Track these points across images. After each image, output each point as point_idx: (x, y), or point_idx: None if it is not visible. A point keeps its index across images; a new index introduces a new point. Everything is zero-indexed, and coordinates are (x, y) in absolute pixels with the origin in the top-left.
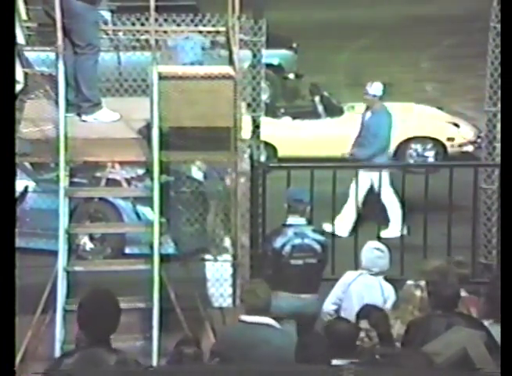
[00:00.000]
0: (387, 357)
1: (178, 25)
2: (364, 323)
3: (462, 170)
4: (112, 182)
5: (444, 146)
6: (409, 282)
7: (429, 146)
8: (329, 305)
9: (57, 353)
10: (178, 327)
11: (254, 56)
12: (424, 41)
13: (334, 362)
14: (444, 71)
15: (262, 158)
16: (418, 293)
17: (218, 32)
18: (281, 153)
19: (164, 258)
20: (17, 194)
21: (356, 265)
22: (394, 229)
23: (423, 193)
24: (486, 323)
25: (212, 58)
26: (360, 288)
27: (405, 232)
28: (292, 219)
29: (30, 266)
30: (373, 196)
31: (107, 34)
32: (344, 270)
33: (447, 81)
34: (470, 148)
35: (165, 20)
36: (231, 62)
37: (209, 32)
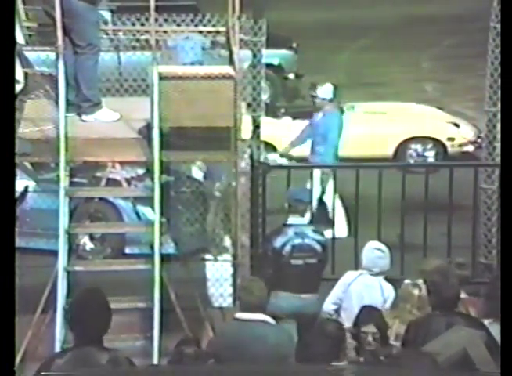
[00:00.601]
0: (390, 357)
1: (178, 25)
2: (371, 327)
3: (462, 170)
4: (112, 182)
5: (444, 146)
6: (407, 281)
7: (429, 146)
8: (329, 305)
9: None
10: (179, 327)
11: (254, 55)
12: (424, 41)
13: (333, 364)
14: (444, 71)
15: (262, 158)
16: (416, 292)
17: (218, 32)
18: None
19: (164, 258)
20: (17, 194)
21: (356, 265)
22: (339, 229)
23: (424, 193)
24: (486, 322)
25: (212, 58)
26: (360, 288)
27: (346, 234)
28: (292, 219)
29: (31, 266)
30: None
31: (107, 34)
32: (344, 270)
33: (447, 81)
34: (470, 148)
35: (165, 20)
36: (231, 62)
37: (209, 32)
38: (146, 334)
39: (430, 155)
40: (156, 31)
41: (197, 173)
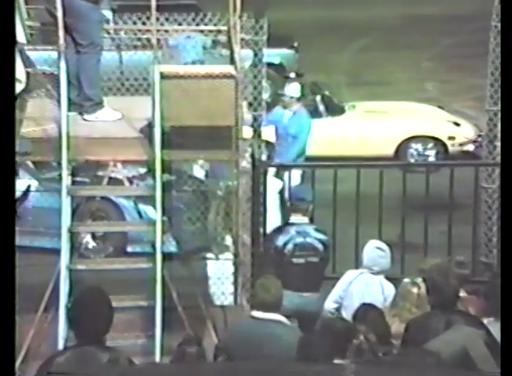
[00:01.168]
0: (390, 356)
1: (180, 24)
2: (361, 326)
3: (463, 169)
4: (114, 181)
5: (445, 145)
6: (406, 280)
7: (430, 145)
8: (330, 304)
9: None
10: (180, 326)
11: (256, 55)
12: (425, 40)
13: (336, 361)
14: (444, 71)
15: (263, 157)
16: (415, 290)
17: (219, 31)
18: None
19: (165, 257)
20: (20, 193)
21: (357, 264)
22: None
23: (424, 192)
24: (485, 321)
25: (213, 57)
26: (361, 287)
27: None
28: (294, 218)
29: (33, 265)
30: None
31: (109, 33)
32: (345, 269)
33: (447, 80)
34: (470, 147)
35: (166, 19)
36: (232, 61)
37: (210, 31)
38: (148, 333)
39: (431, 154)
40: (158, 30)
41: (199, 172)
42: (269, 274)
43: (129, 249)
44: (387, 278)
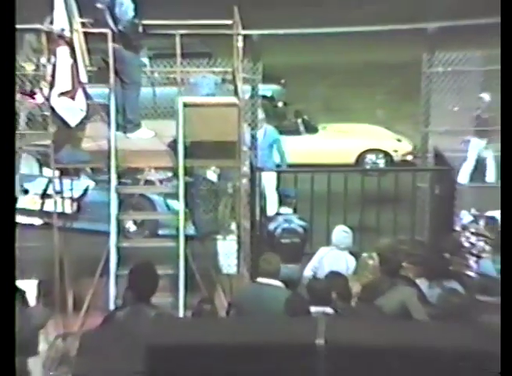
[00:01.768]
0: (349, 310)
1: (197, 67)
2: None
3: (404, 173)
4: (149, 182)
5: (391, 156)
6: (364, 254)
7: (380, 156)
8: (308, 272)
9: (111, 306)
10: (198, 288)
11: (253, 89)
12: (378, 80)
13: (313, 309)
14: (391, 102)
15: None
16: (371, 262)
17: (226, 72)
18: None
19: (187, 238)
20: (81, 191)
21: (328, 243)
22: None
23: (377, 190)
24: (418, 281)
25: (222, 91)
26: (330, 260)
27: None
28: (282, 209)
29: (91, 242)
30: None
31: (146, 74)
32: (319, 246)
33: (394, 108)
34: (409, 157)
35: (188, 63)
36: (236, 94)
37: (220, 72)
38: (174, 294)
39: (381, 162)
40: (181, 71)
41: (212, 175)
42: (263, 251)
43: (160, 232)
44: (350, 253)
